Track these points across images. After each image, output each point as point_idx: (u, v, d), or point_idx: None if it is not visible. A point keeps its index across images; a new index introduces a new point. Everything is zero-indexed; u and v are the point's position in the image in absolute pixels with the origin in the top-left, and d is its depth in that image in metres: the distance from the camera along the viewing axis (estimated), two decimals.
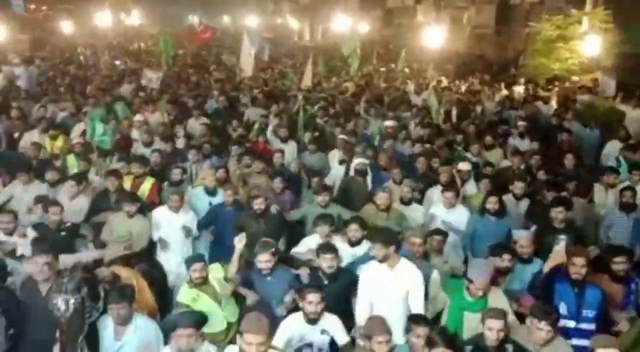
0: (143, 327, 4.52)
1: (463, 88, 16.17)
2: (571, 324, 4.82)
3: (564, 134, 9.79)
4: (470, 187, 7.83)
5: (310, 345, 4.69)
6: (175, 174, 7.51)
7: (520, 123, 10.21)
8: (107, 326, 4.47)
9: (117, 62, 19.28)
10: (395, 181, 7.60)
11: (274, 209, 6.65)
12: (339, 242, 5.78)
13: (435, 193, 7.48)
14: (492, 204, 6.58)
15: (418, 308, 4.88)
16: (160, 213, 6.76)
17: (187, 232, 6.60)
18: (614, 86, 13.82)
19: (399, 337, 4.61)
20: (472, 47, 24.16)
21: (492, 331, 4.19)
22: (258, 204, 6.47)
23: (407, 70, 19.41)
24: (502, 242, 5.85)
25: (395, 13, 32.88)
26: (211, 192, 7.21)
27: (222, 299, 5.13)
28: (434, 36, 22.45)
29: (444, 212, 6.76)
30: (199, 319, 4.36)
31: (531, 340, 4.32)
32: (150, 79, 13.23)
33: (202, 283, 5.09)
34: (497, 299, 4.81)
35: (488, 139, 9.51)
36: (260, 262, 5.30)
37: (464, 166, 7.98)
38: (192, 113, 10.88)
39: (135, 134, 9.64)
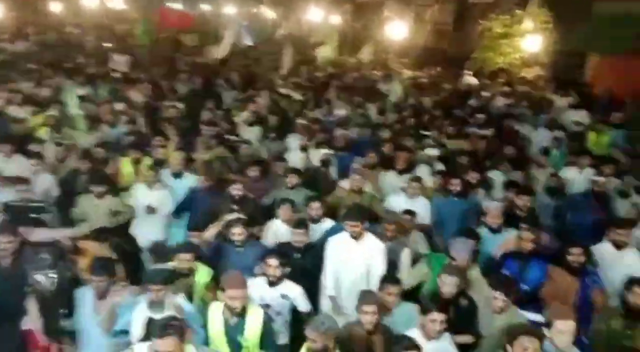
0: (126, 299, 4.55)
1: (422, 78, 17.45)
2: None
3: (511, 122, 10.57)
4: (426, 174, 7.60)
5: (268, 306, 4.78)
6: (158, 153, 7.57)
7: (479, 115, 10.65)
8: (87, 300, 4.53)
9: (104, 44, 19.44)
10: (368, 165, 7.56)
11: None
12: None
13: (388, 179, 7.45)
14: (454, 185, 6.74)
15: (377, 277, 5.06)
16: (137, 188, 6.84)
17: (150, 211, 6.58)
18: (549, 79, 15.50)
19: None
20: (433, 41, 25.50)
21: (446, 285, 4.48)
22: (236, 190, 6.38)
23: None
24: (466, 227, 5.95)
25: (364, 8, 34.06)
26: (177, 175, 7.10)
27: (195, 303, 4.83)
28: (398, 30, 23.75)
29: (405, 201, 6.62)
30: (168, 276, 4.47)
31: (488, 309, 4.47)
32: (118, 62, 13.16)
33: (186, 275, 4.90)
34: (476, 273, 5.03)
35: (451, 128, 9.75)
36: (234, 234, 5.45)
37: (432, 151, 8.08)
38: (166, 96, 11.06)
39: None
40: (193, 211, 6.67)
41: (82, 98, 9.58)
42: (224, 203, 6.33)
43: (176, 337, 3.49)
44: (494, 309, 4.41)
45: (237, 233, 5.45)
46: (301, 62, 17.71)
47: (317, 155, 7.97)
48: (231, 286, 4.16)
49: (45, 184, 6.82)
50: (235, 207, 6.23)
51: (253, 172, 7.03)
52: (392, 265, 5.51)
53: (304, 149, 8.33)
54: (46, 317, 4.41)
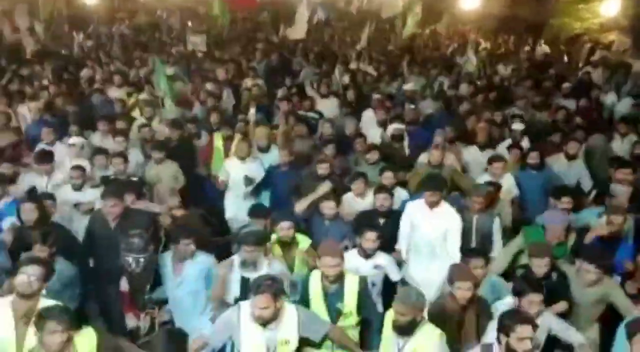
0: (201, 259, 4.77)
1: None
2: None
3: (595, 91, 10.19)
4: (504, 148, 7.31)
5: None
6: (242, 129, 7.68)
7: (565, 85, 10.33)
8: (167, 264, 4.78)
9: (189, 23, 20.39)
10: (447, 140, 7.30)
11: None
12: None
13: (470, 155, 7.28)
14: (533, 159, 6.68)
15: (454, 247, 5.16)
16: (229, 162, 6.95)
17: (248, 182, 6.62)
18: (629, 43, 14.91)
19: (434, 274, 5.02)
20: (509, 9, 24.82)
21: (536, 267, 4.46)
22: (323, 169, 6.22)
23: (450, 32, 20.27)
24: (563, 185, 6.05)
25: None
26: (264, 150, 7.17)
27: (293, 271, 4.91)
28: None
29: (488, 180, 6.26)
30: (261, 237, 4.54)
31: (579, 280, 4.45)
32: (195, 43, 13.38)
33: (288, 243, 4.92)
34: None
35: (537, 99, 9.53)
36: (325, 208, 5.52)
37: (518, 126, 7.64)
38: (246, 74, 11.09)
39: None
40: (274, 188, 6.65)
41: (170, 77, 9.91)
42: (306, 180, 6.29)
43: (270, 295, 3.64)
44: (586, 281, 4.39)
45: (329, 207, 5.49)
46: (378, 37, 17.54)
47: (390, 130, 7.79)
48: (327, 254, 4.23)
49: (134, 160, 7.06)
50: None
51: (329, 150, 6.83)
52: (484, 237, 5.46)
53: (381, 124, 8.15)
54: (133, 293, 4.71)
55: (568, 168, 6.90)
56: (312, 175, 6.33)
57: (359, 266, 4.85)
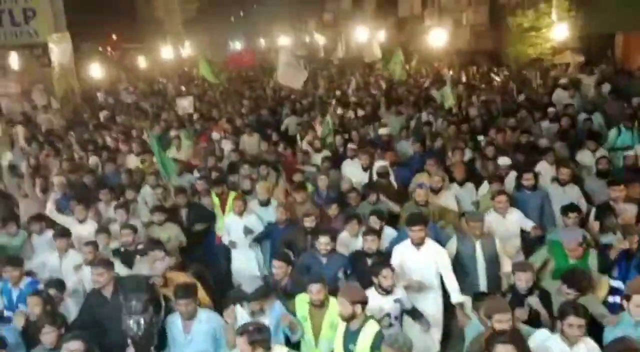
0: (207, 318, 4.75)
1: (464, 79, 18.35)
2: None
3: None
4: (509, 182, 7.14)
5: (388, 315, 4.84)
6: (246, 184, 7.77)
7: (551, 109, 10.30)
8: (175, 323, 4.72)
9: (183, 88, 21.43)
10: (430, 173, 7.47)
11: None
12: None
13: (454, 192, 7.20)
14: (528, 180, 6.68)
15: (451, 281, 5.29)
16: (228, 219, 7.17)
17: (247, 231, 6.85)
18: (581, 61, 16.49)
19: (431, 307, 5.25)
20: (473, 42, 26.62)
21: (521, 281, 4.58)
22: (309, 222, 6.32)
23: (423, 70, 21.64)
24: (570, 204, 5.96)
25: (406, 21, 35.57)
26: (264, 203, 7.31)
27: (321, 333, 4.81)
28: (439, 37, 25.10)
29: (500, 220, 6.19)
30: (266, 292, 4.74)
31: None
32: (183, 106, 13.31)
33: (319, 306, 4.78)
34: (592, 259, 5.08)
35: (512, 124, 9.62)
36: (320, 244, 5.56)
37: (504, 161, 7.54)
38: (244, 130, 11.10)
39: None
40: (273, 242, 6.80)
41: (165, 141, 10.00)
42: (298, 234, 6.39)
43: (247, 342, 3.86)
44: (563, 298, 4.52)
45: (324, 242, 5.56)
46: (365, 82, 18.20)
47: (376, 168, 7.96)
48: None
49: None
50: (308, 237, 6.19)
51: (332, 210, 6.84)
52: (490, 259, 5.55)
53: (365, 168, 8.27)
54: None
55: (563, 193, 6.73)
56: (303, 229, 6.39)
57: (382, 304, 4.85)
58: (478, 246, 5.58)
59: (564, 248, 5.17)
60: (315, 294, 4.71)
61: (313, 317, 4.80)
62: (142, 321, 4.43)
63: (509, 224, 6.18)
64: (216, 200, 7.66)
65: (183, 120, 12.67)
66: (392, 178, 7.89)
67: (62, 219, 7.23)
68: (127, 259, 6.09)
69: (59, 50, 18.01)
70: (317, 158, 9.21)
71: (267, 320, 4.59)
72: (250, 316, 4.64)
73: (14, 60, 17.03)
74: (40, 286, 5.47)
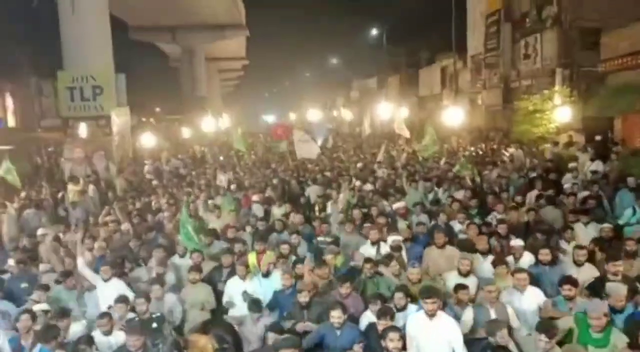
0: None
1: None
2: None
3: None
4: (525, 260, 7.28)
5: None
6: (284, 249, 8.10)
7: (567, 185, 11.12)
8: None
9: (221, 158, 22.53)
10: (437, 245, 7.68)
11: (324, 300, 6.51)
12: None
13: (485, 267, 7.19)
14: (545, 255, 6.92)
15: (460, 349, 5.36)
16: (231, 282, 7.42)
17: (246, 297, 6.96)
18: (583, 140, 17.96)
19: None
20: (488, 121, 28.44)
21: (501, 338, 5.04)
22: (303, 297, 6.37)
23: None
24: (567, 276, 6.21)
25: (426, 99, 37.87)
26: (265, 275, 7.55)
27: None
28: (456, 115, 26.96)
29: (518, 297, 6.27)
30: (297, 343, 5.00)
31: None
32: (221, 180, 14.42)
33: None
34: (618, 334, 5.26)
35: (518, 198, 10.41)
36: (333, 317, 5.68)
37: (517, 242, 7.52)
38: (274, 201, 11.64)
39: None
40: (281, 308, 6.90)
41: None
42: (295, 309, 6.47)
43: None
44: (538, 347, 4.93)
45: (337, 316, 5.65)
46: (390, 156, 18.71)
47: (389, 242, 8.05)
48: None
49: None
50: (304, 312, 6.34)
51: (345, 289, 6.55)
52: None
53: (373, 243, 8.22)
54: None
55: (577, 273, 6.71)
56: (299, 303, 6.46)
57: None
58: (492, 312, 5.88)
59: (587, 319, 5.33)
60: None
61: None
62: None
63: (525, 301, 6.24)
64: (253, 258, 8.02)
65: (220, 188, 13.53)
66: (403, 253, 7.91)
67: (90, 276, 7.57)
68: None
69: (120, 122, 20.34)
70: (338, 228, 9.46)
71: None
72: None
73: (82, 129, 19.27)
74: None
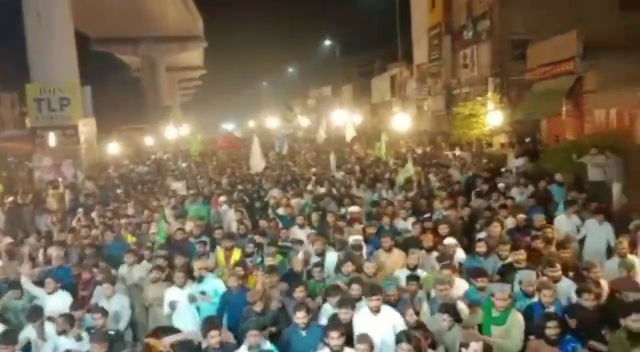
0: None
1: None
2: None
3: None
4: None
5: None
6: (249, 247, 8.31)
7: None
8: None
9: (184, 164, 23.06)
10: (385, 249, 7.84)
11: (274, 305, 6.44)
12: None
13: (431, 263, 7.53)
14: (480, 248, 7.52)
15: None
16: (170, 291, 7.18)
17: (191, 299, 7.00)
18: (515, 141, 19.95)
19: None
20: (433, 125, 30.38)
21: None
22: (257, 307, 6.34)
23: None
24: (479, 269, 6.67)
25: (378, 106, 39.80)
26: (199, 280, 7.37)
27: None
28: (404, 121, 28.76)
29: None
30: (262, 324, 5.39)
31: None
32: (176, 188, 14.56)
33: None
34: (515, 314, 5.69)
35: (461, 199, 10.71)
36: (298, 318, 5.75)
37: (449, 241, 7.97)
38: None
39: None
40: (230, 308, 6.88)
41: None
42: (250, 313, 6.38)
43: None
44: (444, 327, 5.55)
45: (301, 317, 5.69)
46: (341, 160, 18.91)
47: (351, 241, 8.26)
48: None
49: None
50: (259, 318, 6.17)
51: (299, 293, 6.49)
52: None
53: (339, 249, 8.18)
54: None
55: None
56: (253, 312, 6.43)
57: None
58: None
59: (493, 300, 5.77)
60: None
61: None
62: None
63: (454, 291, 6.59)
64: (221, 256, 8.25)
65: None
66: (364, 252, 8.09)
67: (35, 290, 7.50)
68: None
69: (86, 131, 21.13)
70: (299, 233, 9.40)
71: None
72: (248, 349, 5.30)
73: (51, 138, 20.00)
74: None
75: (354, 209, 10.43)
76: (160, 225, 9.37)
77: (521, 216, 9.07)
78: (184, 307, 6.98)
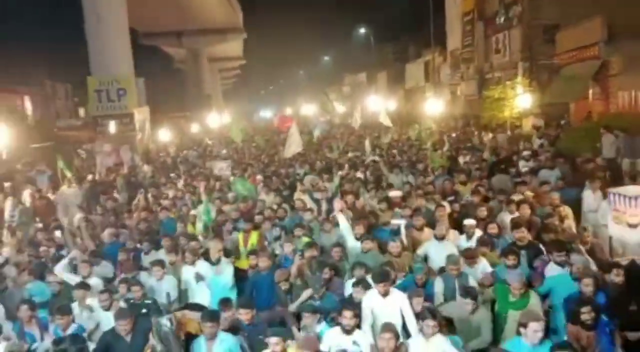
0: (226, 339, 5.38)
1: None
2: None
3: None
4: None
5: (344, 351, 5.10)
6: (266, 228, 8.56)
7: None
8: (200, 345, 5.37)
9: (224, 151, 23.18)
10: (417, 228, 7.97)
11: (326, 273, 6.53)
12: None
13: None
14: (491, 229, 7.66)
15: (412, 321, 5.62)
16: (184, 269, 7.37)
17: (199, 278, 7.09)
18: (543, 123, 20.69)
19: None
20: (466, 109, 31.07)
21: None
22: (284, 286, 6.64)
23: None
24: (510, 247, 6.76)
25: (412, 92, 40.55)
26: (214, 263, 7.45)
27: None
28: (438, 105, 29.59)
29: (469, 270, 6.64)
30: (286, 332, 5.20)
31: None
32: (221, 168, 14.66)
33: None
34: (535, 296, 5.76)
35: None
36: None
37: (469, 222, 7.84)
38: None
39: None
40: (258, 289, 7.01)
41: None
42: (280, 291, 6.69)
43: None
44: (427, 333, 5.08)
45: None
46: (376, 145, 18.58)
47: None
48: (306, 348, 4.78)
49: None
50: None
51: (325, 274, 6.59)
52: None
53: (357, 238, 7.74)
54: None
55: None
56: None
57: (340, 341, 5.25)
58: (456, 282, 6.32)
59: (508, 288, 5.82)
60: (273, 346, 4.85)
61: None
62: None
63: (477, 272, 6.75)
64: (240, 237, 8.36)
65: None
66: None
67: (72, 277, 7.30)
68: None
69: (141, 119, 22.97)
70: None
71: None
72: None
73: (111, 126, 21.93)
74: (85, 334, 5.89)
75: (395, 193, 10.20)
76: (206, 207, 9.41)
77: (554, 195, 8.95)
78: (194, 285, 7.23)
